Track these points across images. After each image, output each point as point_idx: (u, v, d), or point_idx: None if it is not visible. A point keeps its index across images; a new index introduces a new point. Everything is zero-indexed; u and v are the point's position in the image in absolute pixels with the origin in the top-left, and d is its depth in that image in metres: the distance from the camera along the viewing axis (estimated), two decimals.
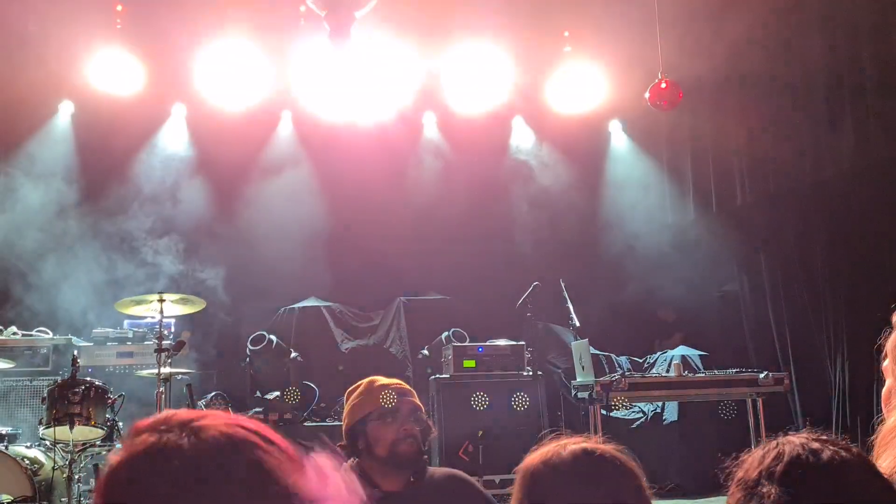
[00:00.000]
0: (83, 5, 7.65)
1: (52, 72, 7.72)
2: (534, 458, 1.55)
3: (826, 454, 1.27)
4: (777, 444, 1.33)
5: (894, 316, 2.05)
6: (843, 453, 1.28)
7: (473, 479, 2.91)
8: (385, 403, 2.84)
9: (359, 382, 3.00)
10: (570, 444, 1.52)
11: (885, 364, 2.05)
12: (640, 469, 1.53)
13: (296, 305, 7.99)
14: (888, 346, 2.02)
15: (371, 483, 2.79)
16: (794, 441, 1.31)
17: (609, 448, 1.53)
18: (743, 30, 7.18)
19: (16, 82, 7.37)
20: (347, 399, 2.97)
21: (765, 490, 1.26)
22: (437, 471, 2.92)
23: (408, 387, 3.00)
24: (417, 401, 2.97)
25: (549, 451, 1.53)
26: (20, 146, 7.62)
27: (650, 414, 7.24)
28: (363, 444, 2.81)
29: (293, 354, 7.29)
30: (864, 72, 6.46)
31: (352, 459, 2.88)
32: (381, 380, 2.98)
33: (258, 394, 7.16)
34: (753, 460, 1.32)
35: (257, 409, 7.06)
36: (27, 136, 7.69)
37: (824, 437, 1.33)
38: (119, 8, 7.77)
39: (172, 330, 7.08)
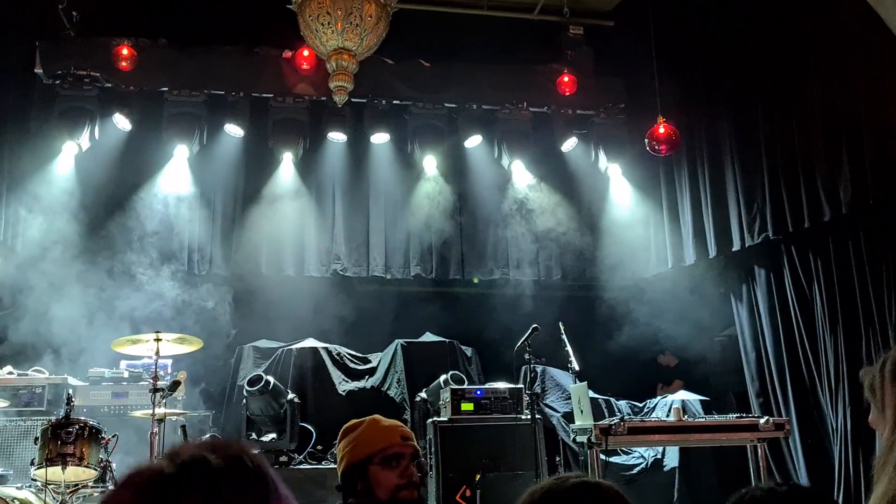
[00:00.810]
0: (90, 48, 7.80)
1: (59, 113, 7.84)
2: (535, 489, 1.56)
3: None
4: None
5: (861, 372, 2.07)
6: None
7: None
8: (390, 446, 2.78)
9: (359, 420, 2.92)
10: (572, 478, 1.54)
11: (872, 417, 2.05)
12: None
13: (294, 346, 7.95)
14: (867, 398, 2.04)
15: None
16: None
17: (609, 484, 1.55)
18: (741, 75, 7.28)
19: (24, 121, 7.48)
20: (344, 436, 2.90)
21: None
22: None
23: (409, 430, 2.95)
24: (417, 445, 2.92)
25: (551, 483, 1.55)
26: (23, 185, 7.66)
27: (650, 459, 7.15)
28: (363, 485, 2.73)
29: (290, 396, 7.22)
30: (859, 116, 6.52)
31: (348, 500, 2.82)
32: (384, 420, 2.92)
33: (253, 436, 7.08)
34: None
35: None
36: (30, 175, 7.73)
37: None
38: (125, 52, 7.93)
39: (169, 371, 7.04)
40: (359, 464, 2.76)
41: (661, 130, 6.75)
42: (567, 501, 1.50)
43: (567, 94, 8.39)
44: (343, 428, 2.93)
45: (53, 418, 5.59)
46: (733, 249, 7.93)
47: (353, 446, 2.82)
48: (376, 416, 2.95)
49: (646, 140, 6.79)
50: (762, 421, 5.62)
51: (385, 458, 2.75)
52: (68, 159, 7.99)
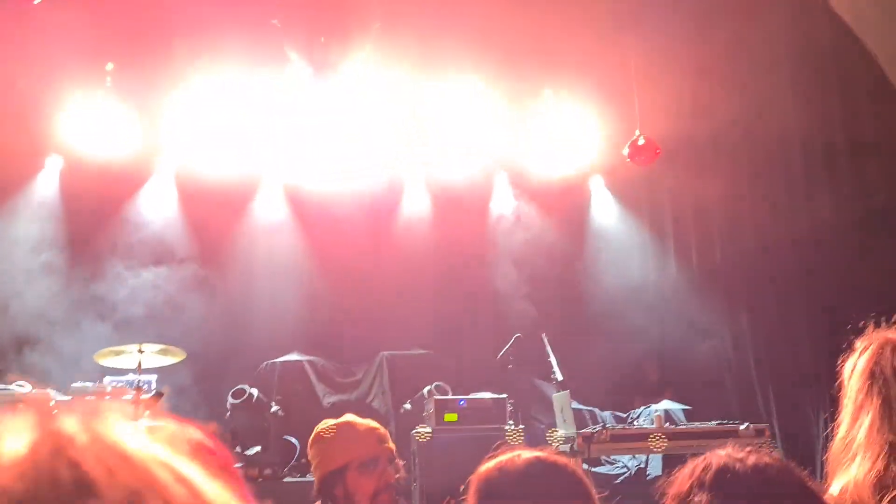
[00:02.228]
0: (73, 62, 7.81)
1: (41, 127, 7.84)
2: (488, 466, 1.57)
3: (750, 460, 1.32)
4: (705, 457, 1.37)
5: (858, 341, 2.09)
6: (767, 459, 1.32)
7: None
8: (367, 452, 2.78)
9: (331, 425, 2.90)
10: (525, 453, 1.54)
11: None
12: (591, 481, 1.55)
13: (278, 360, 7.94)
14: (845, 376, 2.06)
15: None
16: (720, 453, 1.36)
17: (563, 458, 1.56)
18: (719, 90, 7.40)
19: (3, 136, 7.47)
20: (318, 442, 2.88)
21: (696, 499, 1.29)
22: None
23: (383, 430, 2.95)
24: (392, 445, 2.92)
25: (504, 459, 1.56)
26: (6, 200, 7.66)
27: (634, 469, 7.16)
28: (341, 492, 2.73)
29: (274, 408, 7.21)
30: (836, 132, 6.65)
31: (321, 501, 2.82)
32: (357, 423, 2.89)
33: (238, 449, 7.06)
34: (684, 475, 1.37)
35: (237, 465, 6.95)
36: (13, 189, 7.73)
37: (748, 448, 1.38)
38: (109, 66, 7.93)
39: (153, 386, 7.01)
40: (336, 472, 2.76)
41: (641, 142, 6.83)
42: (520, 477, 1.50)
43: None
44: (315, 432, 2.89)
45: None
46: (716, 259, 8.02)
47: (329, 454, 2.80)
48: (350, 418, 2.93)
49: (625, 151, 6.88)
50: (742, 427, 5.66)
51: (362, 464, 2.75)
52: (52, 173, 8.02)
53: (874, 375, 1.94)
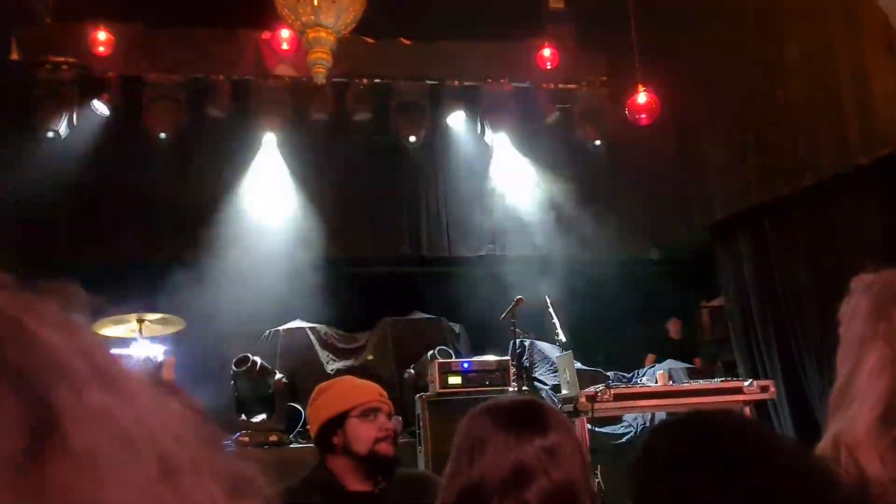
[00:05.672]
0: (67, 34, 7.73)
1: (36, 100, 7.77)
2: (477, 406, 1.61)
3: (711, 414, 1.32)
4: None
5: (853, 281, 2.02)
6: (731, 411, 1.34)
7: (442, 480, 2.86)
8: (369, 400, 2.78)
9: (330, 381, 2.95)
10: (512, 395, 1.58)
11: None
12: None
13: (280, 327, 7.95)
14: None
15: (339, 483, 2.75)
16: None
17: (549, 404, 1.59)
18: (719, 44, 7.28)
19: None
20: (319, 395, 2.89)
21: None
22: (405, 472, 2.88)
23: (381, 388, 2.98)
24: (390, 403, 2.95)
25: (492, 399, 1.60)
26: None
27: (639, 428, 7.17)
28: (340, 440, 2.72)
29: (278, 376, 7.22)
30: (838, 80, 6.52)
31: (318, 460, 2.83)
32: (356, 380, 2.94)
33: (243, 417, 7.09)
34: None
35: (243, 432, 6.98)
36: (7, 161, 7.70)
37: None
38: (102, 36, 7.83)
39: (162, 356, 7.02)
40: (336, 418, 2.75)
41: (642, 100, 6.73)
42: (507, 414, 1.54)
43: (549, 68, 8.34)
44: (316, 389, 2.92)
45: None
46: (718, 217, 7.95)
47: (330, 402, 2.81)
48: (350, 376, 2.96)
49: (626, 109, 6.77)
50: (746, 384, 5.64)
51: (363, 411, 2.74)
52: (46, 146, 7.96)
53: (876, 318, 1.88)
